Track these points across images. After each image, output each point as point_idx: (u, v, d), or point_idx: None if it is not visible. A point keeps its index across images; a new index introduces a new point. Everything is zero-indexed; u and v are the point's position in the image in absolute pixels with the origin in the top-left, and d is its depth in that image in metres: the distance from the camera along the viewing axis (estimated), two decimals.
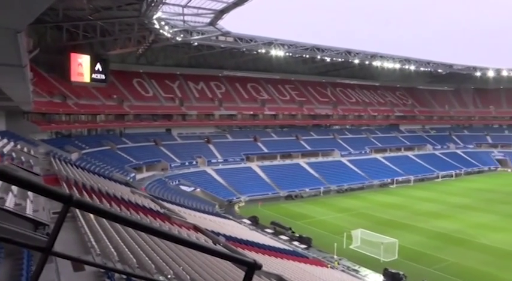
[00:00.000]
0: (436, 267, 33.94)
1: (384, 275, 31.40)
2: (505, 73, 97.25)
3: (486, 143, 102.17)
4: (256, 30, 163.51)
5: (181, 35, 61.82)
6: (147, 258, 12.24)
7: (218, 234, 25.94)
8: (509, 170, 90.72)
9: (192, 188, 58.18)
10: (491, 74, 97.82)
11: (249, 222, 46.10)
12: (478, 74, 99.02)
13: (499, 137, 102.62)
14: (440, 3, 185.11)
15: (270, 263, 23.24)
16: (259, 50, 73.77)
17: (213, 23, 56.19)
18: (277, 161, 75.43)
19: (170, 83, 77.79)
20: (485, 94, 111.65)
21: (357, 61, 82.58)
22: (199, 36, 63.27)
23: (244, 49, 74.82)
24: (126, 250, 12.18)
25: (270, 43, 70.91)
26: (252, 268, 2.37)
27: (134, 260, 11.56)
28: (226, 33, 63.93)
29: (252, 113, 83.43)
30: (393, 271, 31.16)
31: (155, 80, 76.09)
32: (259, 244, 29.82)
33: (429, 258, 36.15)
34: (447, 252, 37.58)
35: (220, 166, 67.98)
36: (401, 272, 30.86)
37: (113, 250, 11.50)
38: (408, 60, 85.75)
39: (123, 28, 53.68)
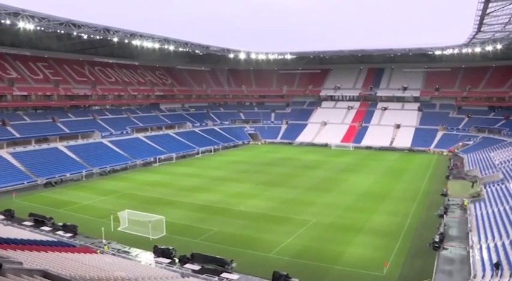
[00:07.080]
0: (202, 238, 36.07)
1: (154, 253, 31.99)
2: (253, 56, 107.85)
3: (240, 119, 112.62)
4: None
5: None
6: None
7: None
8: (259, 143, 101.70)
9: None
10: (242, 56, 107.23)
11: (2, 217, 41.45)
12: (232, 56, 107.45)
13: (250, 113, 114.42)
14: None
15: (31, 259, 21.22)
16: (3, 21, 64.31)
17: None
18: (32, 146, 69.04)
19: None
20: (238, 74, 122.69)
21: (116, 39, 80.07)
22: None
23: None
24: None
25: (16, 14, 61.65)
26: None
27: None
28: None
29: None
30: (163, 247, 32.02)
31: None
32: (17, 240, 27.06)
33: (195, 230, 38.15)
34: (211, 222, 40.29)
35: None
36: (170, 247, 31.84)
37: None
38: (167, 41, 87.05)
39: None
